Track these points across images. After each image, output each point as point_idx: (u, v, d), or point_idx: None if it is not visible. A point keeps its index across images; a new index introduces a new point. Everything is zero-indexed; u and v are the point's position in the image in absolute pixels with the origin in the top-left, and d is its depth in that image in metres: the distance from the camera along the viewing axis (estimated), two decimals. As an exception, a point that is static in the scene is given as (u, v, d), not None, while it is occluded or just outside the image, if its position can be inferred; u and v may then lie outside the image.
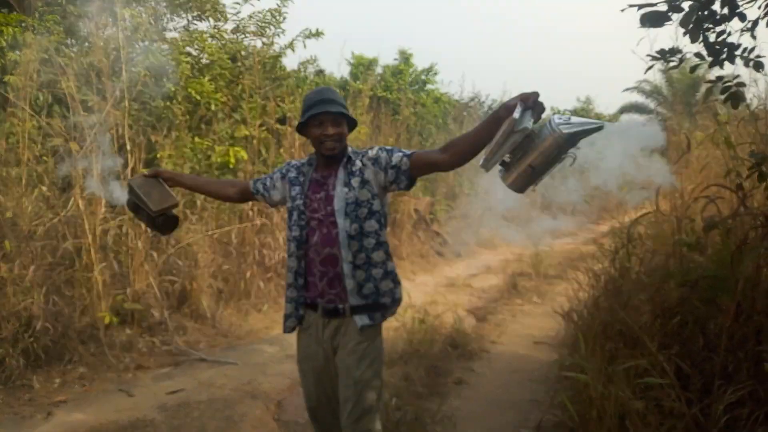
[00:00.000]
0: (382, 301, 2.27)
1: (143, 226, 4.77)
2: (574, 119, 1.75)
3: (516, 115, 1.74)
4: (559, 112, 16.55)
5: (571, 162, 1.80)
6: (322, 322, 2.30)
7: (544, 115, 1.88)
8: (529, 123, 1.75)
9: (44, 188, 4.62)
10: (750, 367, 2.66)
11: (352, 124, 2.34)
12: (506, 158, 1.87)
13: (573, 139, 1.74)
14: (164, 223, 2.48)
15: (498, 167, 1.92)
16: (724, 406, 2.53)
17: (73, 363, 4.25)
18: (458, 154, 2.09)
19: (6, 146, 4.51)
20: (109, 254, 4.76)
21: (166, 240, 5.29)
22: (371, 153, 2.27)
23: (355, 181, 2.23)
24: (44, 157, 4.79)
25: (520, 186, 1.89)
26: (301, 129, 2.32)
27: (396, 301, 2.34)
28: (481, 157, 1.97)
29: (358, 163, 2.26)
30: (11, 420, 3.50)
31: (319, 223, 2.25)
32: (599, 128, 1.75)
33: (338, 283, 2.24)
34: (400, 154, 2.21)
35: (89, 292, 4.53)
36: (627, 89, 21.36)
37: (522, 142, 1.78)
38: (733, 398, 2.54)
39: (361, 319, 2.23)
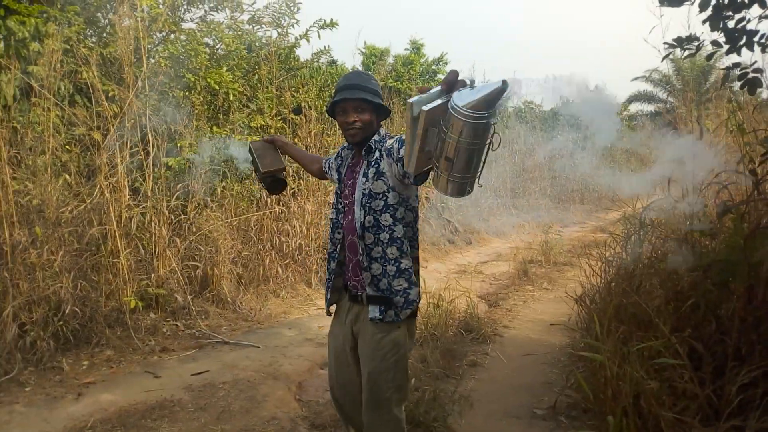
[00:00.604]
0: (395, 299, 2.22)
1: (166, 212, 4.92)
2: (477, 87, 1.47)
3: (412, 99, 1.51)
4: (568, 101, 16.50)
5: (496, 146, 1.55)
6: (348, 305, 2.38)
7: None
8: (429, 105, 1.49)
9: (68, 177, 4.73)
10: (763, 349, 2.74)
11: (381, 111, 2.28)
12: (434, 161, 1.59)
13: (477, 110, 1.43)
14: (272, 184, 2.75)
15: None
16: (737, 387, 2.61)
17: (100, 346, 4.38)
18: None
19: (31, 136, 4.62)
20: (133, 241, 4.88)
21: (188, 227, 5.41)
22: (387, 143, 2.15)
23: (371, 172, 2.22)
24: (68, 146, 4.90)
25: (451, 186, 1.59)
26: (334, 115, 2.33)
27: (409, 302, 2.24)
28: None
29: (376, 154, 2.23)
30: (44, 400, 3.63)
31: (347, 209, 2.31)
32: (502, 90, 1.44)
33: (359, 271, 2.28)
34: None
35: (115, 277, 4.66)
36: (636, 78, 21.31)
37: (436, 134, 1.52)
38: (746, 379, 2.61)
39: (373, 311, 2.24)
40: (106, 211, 4.72)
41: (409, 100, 1.49)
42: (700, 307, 3.08)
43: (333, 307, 2.51)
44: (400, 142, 2.05)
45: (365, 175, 2.24)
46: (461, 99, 1.42)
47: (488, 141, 1.50)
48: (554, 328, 5.14)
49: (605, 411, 2.94)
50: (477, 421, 3.43)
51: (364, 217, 2.21)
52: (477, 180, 1.60)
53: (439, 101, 1.47)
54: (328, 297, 2.45)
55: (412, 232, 2.29)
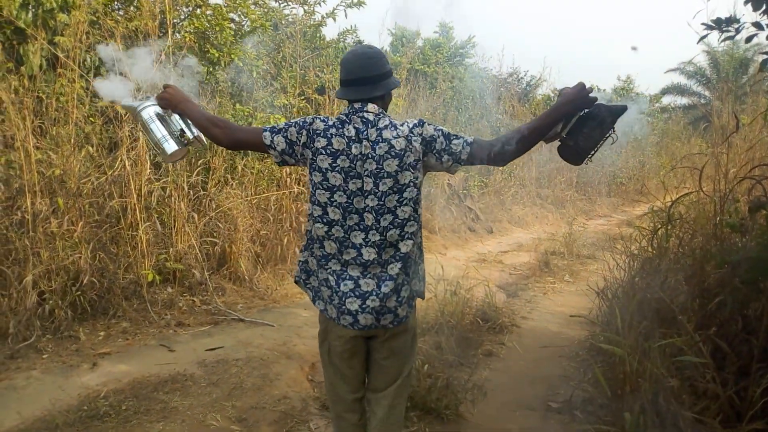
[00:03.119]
0: None
1: (186, 188, 4.93)
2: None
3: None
4: (598, 90, 16.20)
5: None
6: None
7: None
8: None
9: (91, 148, 4.75)
10: (790, 350, 2.64)
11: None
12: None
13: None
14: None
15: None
16: (762, 389, 2.52)
17: (116, 317, 4.42)
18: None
19: (56, 106, 4.64)
20: (153, 214, 4.90)
21: (208, 203, 5.41)
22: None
23: None
24: (91, 118, 4.92)
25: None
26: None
27: None
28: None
29: None
30: (60, 368, 3.67)
31: None
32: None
33: None
34: None
35: (133, 250, 4.69)
36: (669, 70, 20.85)
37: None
38: (771, 382, 2.53)
39: None
40: (126, 184, 4.74)
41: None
42: (727, 305, 2.97)
43: None
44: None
45: None
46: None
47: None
48: (574, 321, 5.05)
49: (622, 407, 2.86)
50: (490, 410, 3.37)
51: None
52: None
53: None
54: None
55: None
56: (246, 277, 5.43)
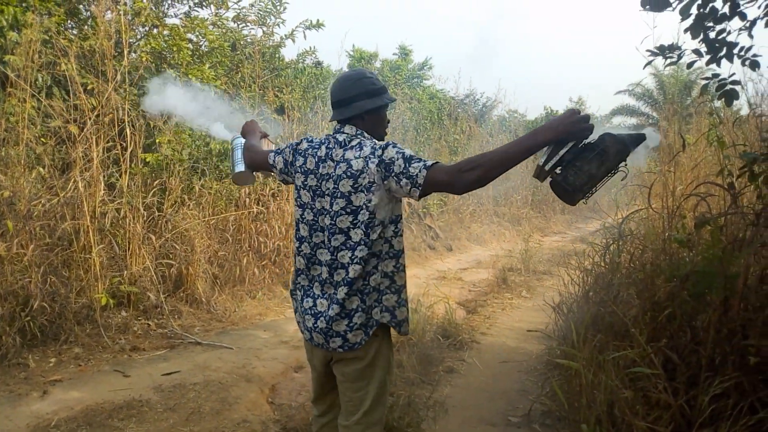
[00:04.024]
0: None
1: (141, 209, 4.86)
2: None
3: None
4: (551, 111, 16.68)
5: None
6: None
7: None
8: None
9: (42, 170, 4.63)
10: (736, 359, 2.74)
11: None
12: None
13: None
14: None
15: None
16: (710, 398, 2.61)
17: (68, 343, 4.28)
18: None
19: (5, 126, 4.51)
20: (107, 237, 4.79)
21: (164, 224, 5.32)
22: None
23: None
24: (43, 139, 4.80)
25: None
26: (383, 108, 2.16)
27: None
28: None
29: None
30: (7, 398, 3.53)
31: None
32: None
33: None
34: None
35: (86, 273, 4.56)
36: (619, 92, 21.64)
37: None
38: (718, 390, 2.61)
39: None
40: (79, 205, 4.62)
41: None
42: (676, 318, 3.08)
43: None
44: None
45: None
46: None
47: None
48: (531, 336, 5.14)
49: (579, 419, 2.93)
50: (451, 426, 3.39)
51: None
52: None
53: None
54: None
55: None
56: (203, 300, 5.34)
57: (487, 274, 7.94)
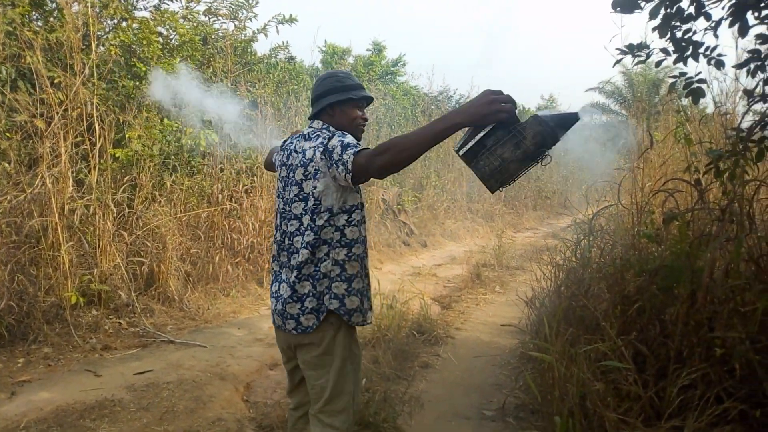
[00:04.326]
0: None
1: (111, 205, 4.78)
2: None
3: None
4: (523, 108, 16.86)
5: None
6: None
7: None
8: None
9: (8, 165, 4.51)
10: (702, 352, 2.82)
11: None
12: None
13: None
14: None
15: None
16: (678, 389, 2.68)
17: (37, 343, 4.19)
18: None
19: (-32, 121, 4.38)
20: (76, 234, 4.69)
21: (134, 221, 5.23)
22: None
23: None
24: (8, 134, 4.67)
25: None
26: (338, 104, 2.17)
27: None
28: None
29: None
30: (-27, 399, 3.44)
31: None
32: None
33: None
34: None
35: (55, 271, 4.46)
36: (589, 89, 21.96)
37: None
38: (686, 381, 2.68)
39: None
40: (47, 202, 4.52)
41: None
42: (646, 311, 3.15)
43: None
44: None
45: None
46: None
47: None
48: (505, 331, 5.20)
49: (552, 412, 2.98)
50: (427, 421, 3.41)
51: None
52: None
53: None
54: (366, 306, 2.18)
55: None
56: (176, 297, 5.27)
57: (461, 270, 8.00)
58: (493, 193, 1.87)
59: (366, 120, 2.28)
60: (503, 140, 1.72)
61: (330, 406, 2.11)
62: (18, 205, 4.44)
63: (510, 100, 1.73)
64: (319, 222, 2.03)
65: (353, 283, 2.10)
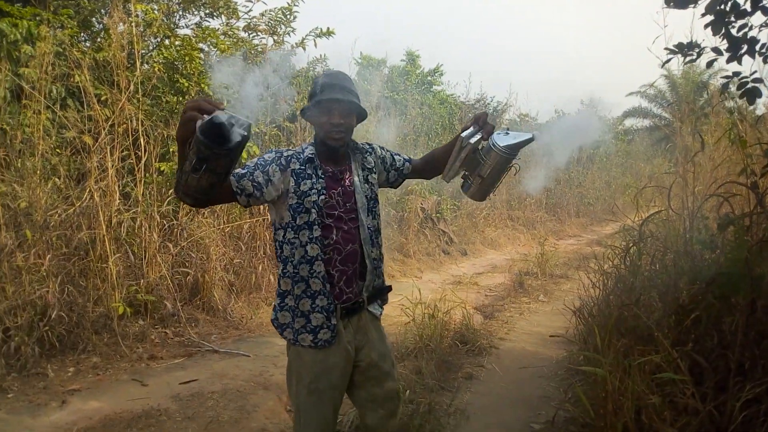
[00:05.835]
0: (385, 287, 2.29)
1: (157, 217, 4.87)
2: (511, 134, 1.97)
3: (464, 134, 1.96)
4: (562, 113, 16.58)
5: (515, 171, 2.05)
6: (342, 324, 2.12)
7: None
8: (473, 139, 1.94)
9: (58, 180, 4.65)
10: (765, 364, 2.67)
11: (362, 116, 2.18)
12: (464, 172, 2.08)
13: (511, 151, 1.94)
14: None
15: (460, 180, 2.15)
16: (741, 403, 2.54)
17: (86, 352, 4.28)
18: (432, 169, 2.32)
19: (21, 138, 4.53)
20: (123, 246, 4.79)
21: (179, 232, 5.32)
22: (379, 152, 2.29)
23: (371, 178, 2.22)
24: (58, 149, 4.82)
25: (478, 194, 2.11)
26: (306, 113, 2.11)
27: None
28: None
29: (371, 160, 2.24)
30: (26, 407, 3.53)
31: (337, 220, 2.08)
32: (530, 140, 1.97)
33: (355, 280, 2.14)
34: (401, 158, 2.35)
35: (103, 282, 4.56)
36: (631, 93, 21.50)
37: (473, 157, 1.98)
38: (750, 395, 2.54)
39: (375, 309, 2.24)
40: (95, 215, 4.63)
41: (462, 135, 1.96)
42: (702, 321, 3.01)
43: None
44: (387, 151, 2.33)
45: (366, 180, 2.20)
46: (501, 141, 1.93)
47: (508, 169, 2.05)
48: (550, 341, 5.07)
49: (605, 426, 2.86)
50: (473, 434, 3.34)
51: (372, 222, 2.20)
52: (494, 192, 2.15)
53: (477, 136, 1.94)
54: (333, 323, 2.09)
55: None
56: (220, 307, 5.33)
57: (503, 279, 7.86)
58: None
59: (336, 124, 2.05)
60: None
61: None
62: (68, 219, 4.57)
63: (193, 107, 1.54)
64: (273, 234, 2.16)
65: (286, 299, 2.13)
